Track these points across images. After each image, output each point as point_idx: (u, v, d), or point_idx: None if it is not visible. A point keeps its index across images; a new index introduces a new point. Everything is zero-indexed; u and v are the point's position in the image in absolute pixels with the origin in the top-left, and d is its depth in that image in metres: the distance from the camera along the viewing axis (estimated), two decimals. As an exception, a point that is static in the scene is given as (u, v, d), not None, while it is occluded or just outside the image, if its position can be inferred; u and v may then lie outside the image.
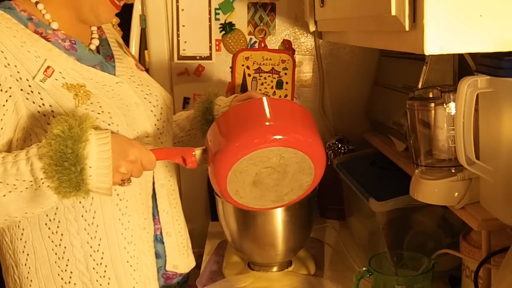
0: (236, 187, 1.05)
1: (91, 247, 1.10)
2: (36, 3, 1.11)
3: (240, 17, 1.82)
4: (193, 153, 1.06)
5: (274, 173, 1.05)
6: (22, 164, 0.95)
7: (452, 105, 1.03)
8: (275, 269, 1.43)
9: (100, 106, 1.08)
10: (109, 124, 1.07)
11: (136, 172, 1.03)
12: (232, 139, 1.00)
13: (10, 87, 1.02)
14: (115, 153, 0.98)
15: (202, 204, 1.90)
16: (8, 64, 1.02)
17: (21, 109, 1.04)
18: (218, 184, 1.04)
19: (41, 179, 0.95)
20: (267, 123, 1.00)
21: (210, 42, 1.81)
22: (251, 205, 1.11)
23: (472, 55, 1.10)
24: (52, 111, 1.04)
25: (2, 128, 1.03)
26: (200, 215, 1.88)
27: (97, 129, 1.01)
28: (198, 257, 1.43)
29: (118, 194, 1.11)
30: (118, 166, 0.98)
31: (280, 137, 0.99)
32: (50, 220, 1.09)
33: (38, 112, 1.04)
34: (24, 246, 1.11)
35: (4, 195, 0.96)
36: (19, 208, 0.98)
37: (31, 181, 0.95)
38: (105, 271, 1.11)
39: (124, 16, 1.25)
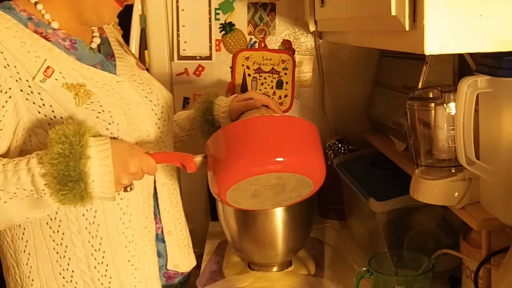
0: (236, 198, 1.05)
1: (92, 246, 1.10)
2: (36, 3, 1.11)
3: (240, 17, 1.82)
4: (193, 159, 1.06)
5: (273, 188, 1.05)
6: (23, 174, 0.95)
7: (452, 105, 1.03)
8: (275, 269, 1.43)
9: (101, 106, 1.08)
10: (109, 124, 1.07)
11: (138, 179, 1.04)
12: (231, 162, 0.99)
13: (10, 88, 1.02)
14: (117, 166, 0.98)
15: (202, 204, 1.90)
16: (8, 65, 1.02)
17: (21, 110, 1.04)
18: (218, 195, 1.04)
19: (43, 190, 0.95)
20: (266, 149, 0.99)
21: (210, 42, 1.81)
22: (250, 208, 1.12)
23: (472, 55, 1.10)
24: (53, 111, 1.04)
25: (1, 129, 1.03)
26: (200, 215, 1.88)
27: (97, 136, 1.00)
28: (198, 257, 1.43)
29: (119, 194, 1.10)
30: (119, 178, 0.99)
31: (280, 162, 0.98)
32: (51, 219, 1.09)
33: (39, 112, 1.04)
34: (25, 246, 1.11)
35: (5, 202, 0.96)
36: (20, 213, 0.99)
37: (31, 191, 0.96)
38: (106, 270, 1.11)
39: (124, 16, 1.25)
